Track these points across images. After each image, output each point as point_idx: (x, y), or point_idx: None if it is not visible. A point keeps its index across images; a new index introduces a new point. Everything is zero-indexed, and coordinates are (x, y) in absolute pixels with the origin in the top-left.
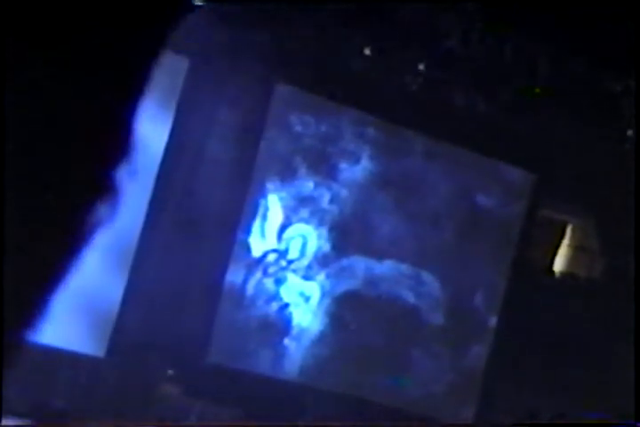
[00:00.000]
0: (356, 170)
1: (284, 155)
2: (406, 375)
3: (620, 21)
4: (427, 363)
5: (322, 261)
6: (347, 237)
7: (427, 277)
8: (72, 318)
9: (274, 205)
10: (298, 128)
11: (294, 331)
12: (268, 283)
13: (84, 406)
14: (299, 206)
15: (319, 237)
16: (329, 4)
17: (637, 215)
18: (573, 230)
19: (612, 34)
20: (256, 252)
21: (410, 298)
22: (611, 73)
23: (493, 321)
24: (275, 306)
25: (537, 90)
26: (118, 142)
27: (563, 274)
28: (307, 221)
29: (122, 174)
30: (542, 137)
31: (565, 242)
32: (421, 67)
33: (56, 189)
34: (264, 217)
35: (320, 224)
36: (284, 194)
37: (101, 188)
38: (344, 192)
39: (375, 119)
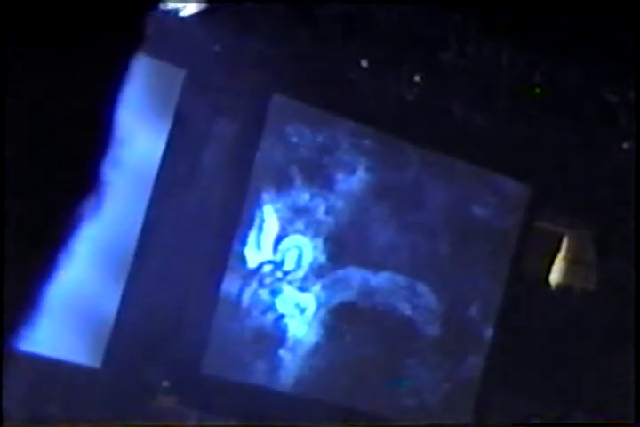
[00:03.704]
0: (353, 181)
1: (280, 165)
2: (404, 379)
3: (619, 31)
4: (422, 374)
5: (317, 272)
6: (342, 248)
7: (422, 288)
8: (68, 329)
9: (269, 216)
10: (294, 139)
11: (290, 342)
12: (264, 294)
13: (79, 416)
14: (294, 217)
15: (315, 248)
16: (326, 16)
17: (636, 227)
18: (569, 242)
19: (609, 45)
20: (252, 263)
21: (405, 309)
22: (608, 84)
23: (489, 332)
24: (270, 317)
25: (537, 90)
26: (100, 137)
27: (558, 286)
28: (302, 233)
29: (106, 167)
30: (539, 148)
31: (561, 254)
32: (417, 78)
33: (42, 185)
34: (260, 228)
35: (316, 235)
36: (279, 205)
37: (86, 181)
38: (340, 203)
39: (371, 130)
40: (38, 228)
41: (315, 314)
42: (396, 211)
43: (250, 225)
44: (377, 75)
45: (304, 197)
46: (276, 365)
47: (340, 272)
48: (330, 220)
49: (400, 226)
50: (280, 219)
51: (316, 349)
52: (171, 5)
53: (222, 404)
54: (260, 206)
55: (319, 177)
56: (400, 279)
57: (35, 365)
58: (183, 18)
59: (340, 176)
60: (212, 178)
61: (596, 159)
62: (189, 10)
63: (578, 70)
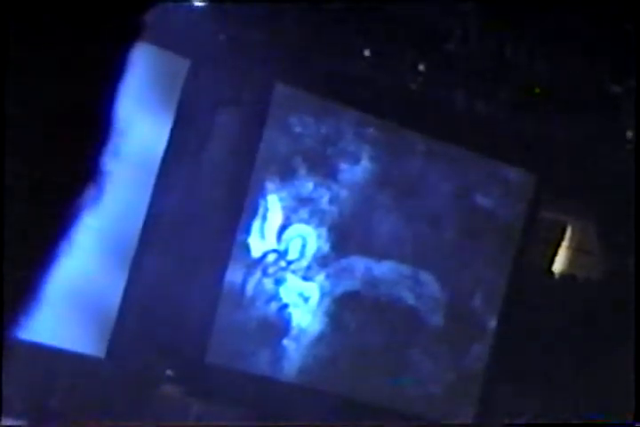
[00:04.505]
0: (356, 170)
1: (283, 155)
2: (406, 376)
3: (620, 22)
4: (426, 364)
5: (321, 261)
6: (346, 237)
7: (426, 277)
8: (72, 319)
9: (274, 206)
10: (298, 129)
11: (293, 331)
12: (268, 283)
13: (83, 406)
14: (298, 207)
15: (319, 237)
16: (329, 6)
17: (637, 217)
18: (573, 232)
19: (611, 34)
20: (256, 252)
21: (409, 299)
22: (610, 74)
23: (493, 322)
24: (274, 306)
25: (537, 90)
26: (100, 127)
27: (562, 275)
28: (306, 222)
29: (106, 157)
30: (542, 138)
31: (565, 243)
32: (421, 67)
33: (43, 175)
34: (264, 217)
35: (320, 225)
36: (283, 194)
37: (87, 171)
38: (344, 193)
39: (375, 120)
40: (39, 218)
41: (319, 303)
42: (399, 200)
43: (254, 214)
44: (380, 64)
45: (308, 187)
46: (279, 354)
47: (344, 261)
48: (334, 209)
49: (404, 215)
50: (284, 208)
51: (320, 338)
52: None
53: (226, 393)
54: (264, 196)
55: (323, 167)
56: (404, 269)
57: (38, 355)
58: (189, 9)
59: (343, 166)
60: (216, 168)
61: (599, 149)
62: (195, 2)
63: (580, 61)
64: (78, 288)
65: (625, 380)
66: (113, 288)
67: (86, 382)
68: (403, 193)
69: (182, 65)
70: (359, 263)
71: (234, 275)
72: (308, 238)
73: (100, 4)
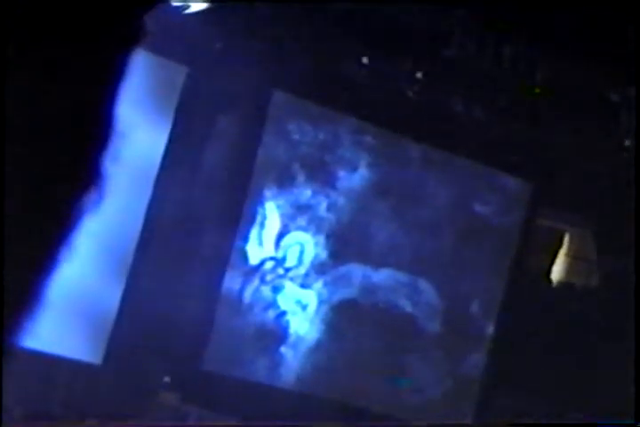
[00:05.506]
0: (354, 178)
1: (281, 162)
2: (405, 377)
3: (620, 29)
4: (424, 370)
5: (319, 269)
6: (344, 245)
7: (424, 285)
8: (69, 326)
9: (271, 213)
10: (296, 136)
11: (291, 339)
12: (266, 291)
13: (81, 412)
14: (296, 214)
15: (316, 244)
16: (327, 13)
17: (635, 225)
18: (571, 239)
19: (611, 43)
20: (253, 259)
21: (407, 306)
22: (609, 82)
23: (490, 329)
24: (272, 314)
25: (537, 90)
26: (100, 132)
27: (560, 282)
28: (304, 229)
29: (105, 162)
30: (540, 146)
31: (563, 251)
32: (419, 75)
33: (45, 179)
34: (262, 225)
35: (317, 232)
36: (281, 202)
37: (87, 175)
38: (341, 200)
39: (373, 127)
40: (39, 223)
41: (316, 311)
42: (397, 208)
43: (252, 222)
44: (378, 72)
45: (306, 194)
46: (277, 361)
47: (342, 269)
48: (331, 216)
49: (401, 223)
50: (282, 215)
51: (318, 346)
52: (174, 3)
53: (223, 400)
54: (262, 203)
55: (321, 174)
56: (401, 276)
57: (35, 361)
58: (186, 16)
59: (341, 173)
60: (214, 175)
61: (597, 157)
62: (193, 8)
63: (579, 68)
64: (75, 295)
65: (623, 385)
66: (110, 294)
67: (83, 388)
68: (400, 201)
69: (180, 72)
70: (357, 271)
71: (232, 282)
72: (305, 246)
73: (100, 9)
